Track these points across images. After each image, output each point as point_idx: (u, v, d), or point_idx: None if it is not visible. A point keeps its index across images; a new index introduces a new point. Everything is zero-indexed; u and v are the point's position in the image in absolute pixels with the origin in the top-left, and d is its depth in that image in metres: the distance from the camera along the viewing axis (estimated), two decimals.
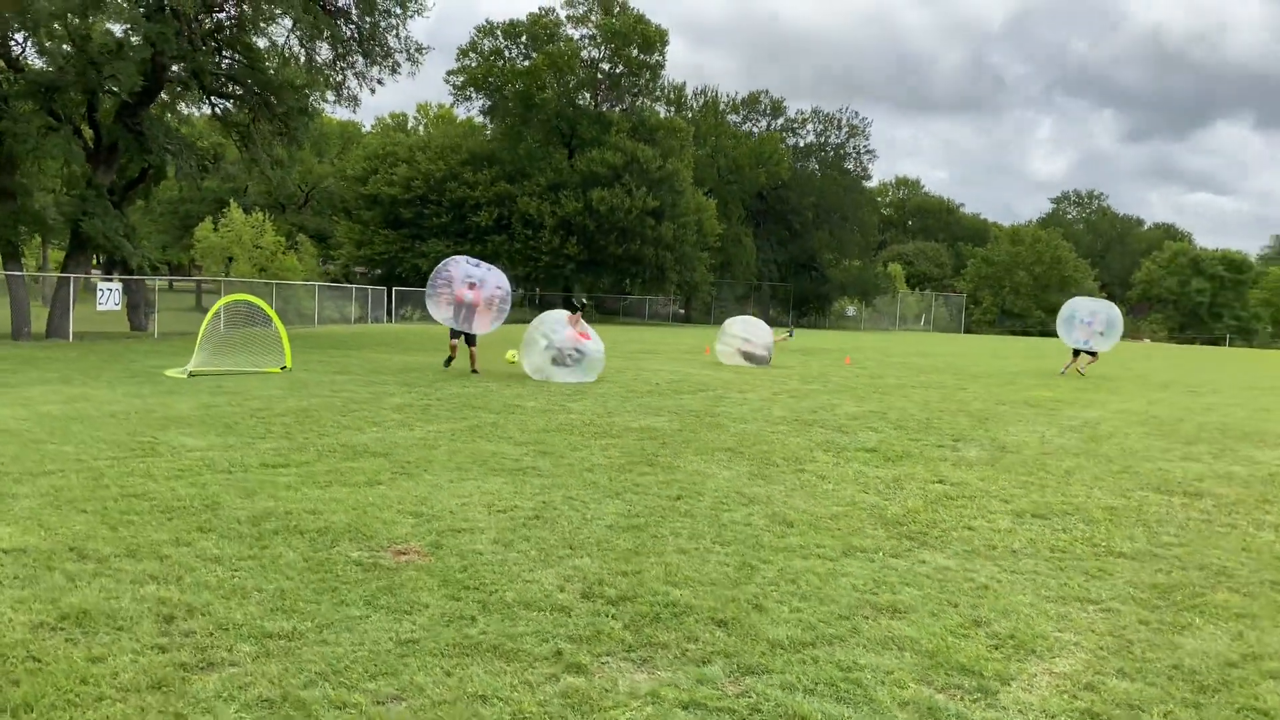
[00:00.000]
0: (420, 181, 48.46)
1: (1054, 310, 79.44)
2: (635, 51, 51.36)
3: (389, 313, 41.26)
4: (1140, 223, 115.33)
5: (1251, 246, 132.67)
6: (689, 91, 62.87)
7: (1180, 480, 7.85)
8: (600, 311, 54.41)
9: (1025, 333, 72.77)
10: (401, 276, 47.03)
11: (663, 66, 52.84)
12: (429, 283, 14.81)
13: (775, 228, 64.47)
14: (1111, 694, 3.50)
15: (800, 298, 63.80)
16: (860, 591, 4.56)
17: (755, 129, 66.33)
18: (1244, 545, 5.73)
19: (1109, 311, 21.57)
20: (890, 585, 4.67)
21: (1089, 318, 21.23)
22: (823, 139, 67.71)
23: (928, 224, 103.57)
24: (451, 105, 58.32)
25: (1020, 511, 6.42)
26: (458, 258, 15.36)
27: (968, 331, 74.08)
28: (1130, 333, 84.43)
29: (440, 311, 14.86)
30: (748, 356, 19.81)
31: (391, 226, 49.20)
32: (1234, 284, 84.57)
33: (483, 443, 8.47)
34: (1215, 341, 77.40)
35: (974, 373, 20.95)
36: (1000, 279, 78.94)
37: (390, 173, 48.81)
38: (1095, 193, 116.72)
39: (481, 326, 14.90)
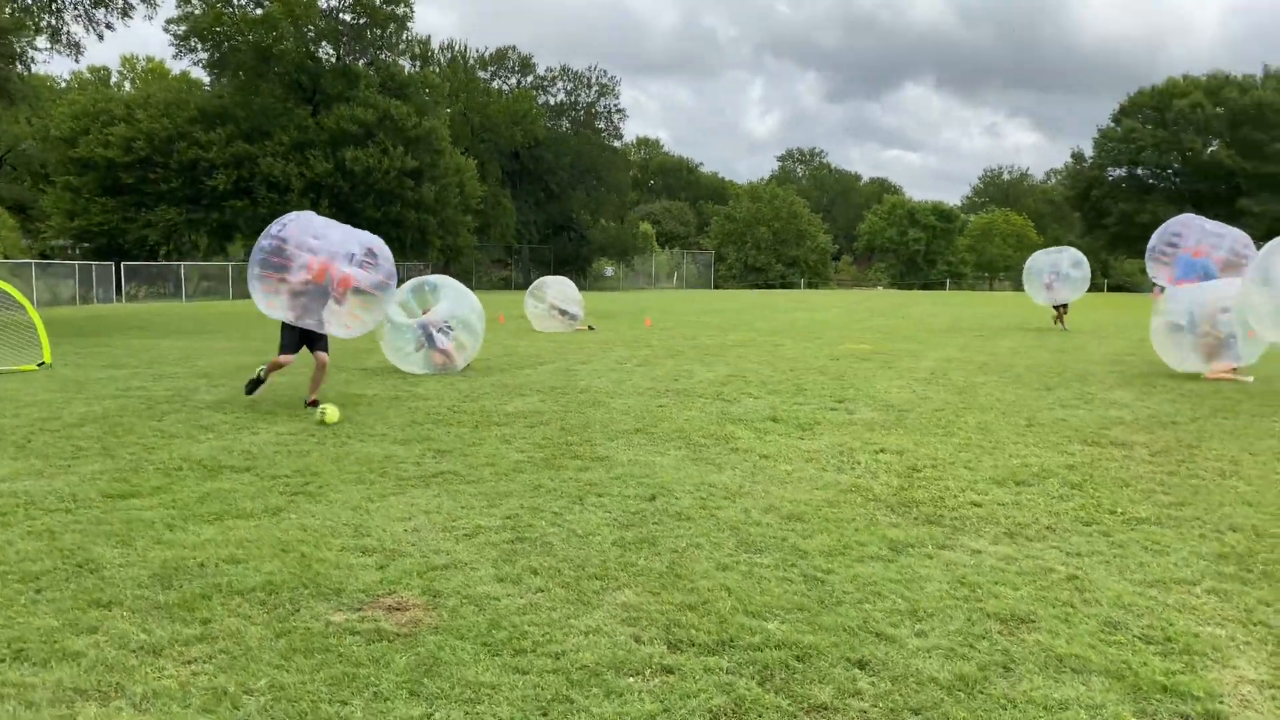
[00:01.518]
0: (143, 142, 43.19)
1: (793, 263, 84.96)
2: (378, 1, 48.26)
3: (118, 291, 36.71)
4: (858, 178, 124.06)
5: (950, 198, 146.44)
6: (435, 46, 60.18)
7: (1093, 430, 7.92)
8: None
9: (769, 285, 76.31)
10: (126, 250, 42.03)
11: (409, 18, 50.05)
12: (256, 254, 8.68)
13: (533, 189, 63.31)
14: None
15: (560, 259, 63.14)
16: (960, 599, 3.97)
17: (505, 86, 64.62)
18: (1241, 497, 5.68)
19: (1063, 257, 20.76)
20: (980, 586, 4.12)
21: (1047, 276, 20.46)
22: (573, 98, 67.07)
23: (670, 183, 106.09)
24: (175, 57, 52.57)
25: (999, 479, 6.11)
26: (309, 215, 9.18)
27: (717, 287, 76.69)
28: (862, 281, 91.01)
29: (272, 302, 8.71)
30: (567, 316, 18.99)
31: (110, 194, 43.66)
32: (944, 233, 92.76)
33: (356, 444, 7.22)
34: (930, 286, 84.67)
35: (774, 328, 21.22)
36: (743, 235, 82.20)
37: (105, 133, 43.15)
38: (816, 150, 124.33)
39: (342, 327, 8.94)
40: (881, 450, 7.08)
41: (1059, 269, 20.32)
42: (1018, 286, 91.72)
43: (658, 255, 77.01)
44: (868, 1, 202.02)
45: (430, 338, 11.75)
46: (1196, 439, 7.51)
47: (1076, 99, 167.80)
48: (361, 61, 48.84)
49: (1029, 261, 21.16)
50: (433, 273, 58.15)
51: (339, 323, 8.86)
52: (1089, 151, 74.76)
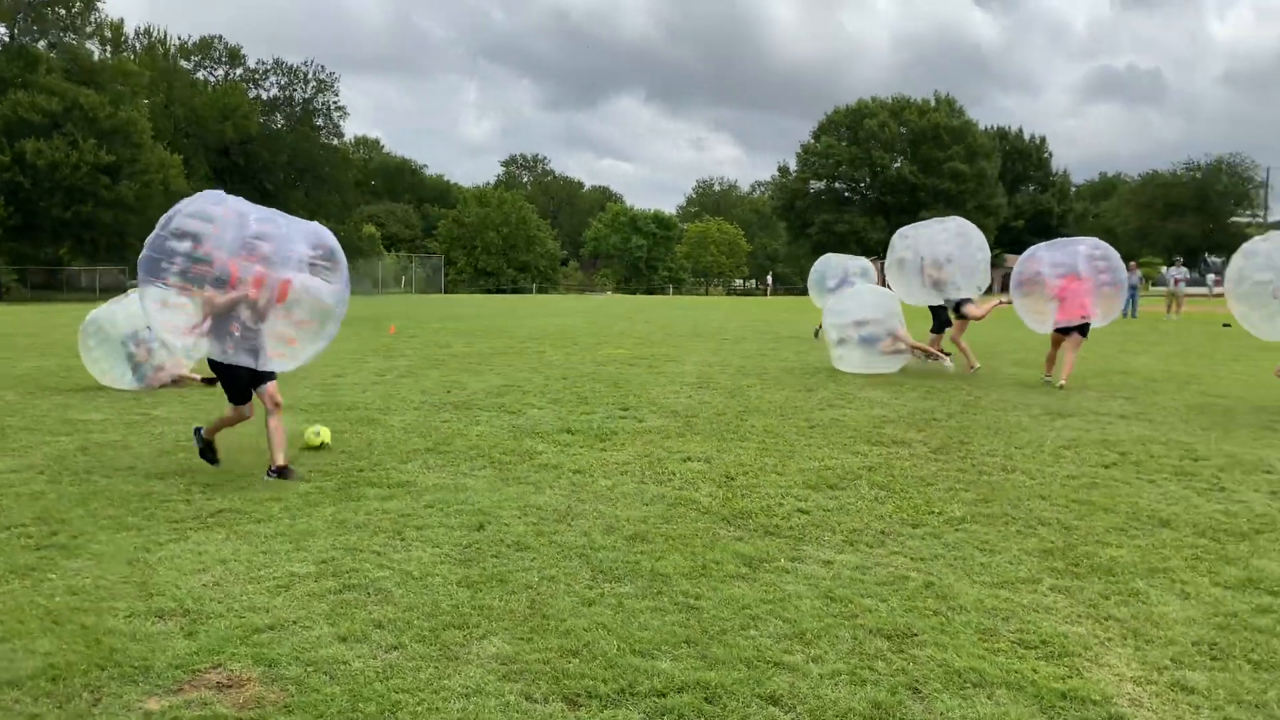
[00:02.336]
0: None
1: (524, 268, 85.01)
2: None
3: None
4: (582, 185, 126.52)
5: (667, 206, 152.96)
6: (130, 31, 54.68)
7: (868, 429, 8.27)
8: (30, 288, 45.54)
9: (500, 290, 75.96)
10: None
11: None
12: (151, 257, 6.09)
13: (246, 188, 58.80)
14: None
15: None
16: (837, 617, 3.88)
17: (212, 78, 59.85)
18: (1032, 491, 6.06)
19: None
20: (849, 600, 4.06)
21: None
22: (288, 93, 63.25)
23: (393, 185, 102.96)
24: None
25: (812, 484, 6.18)
26: (221, 196, 6.58)
27: (448, 291, 75.24)
28: (589, 286, 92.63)
29: (187, 333, 6.37)
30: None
31: None
32: (664, 240, 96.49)
33: (100, 479, 6.21)
34: (653, 290, 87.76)
35: (529, 334, 20.94)
36: (472, 239, 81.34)
37: None
38: (540, 157, 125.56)
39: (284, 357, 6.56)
40: (688, 458, 7.00)
41: (848, 276, 19.54)
42: (731, 291, 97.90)
43: (384, 259, 74.38)
44: (579, 14, 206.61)
45: (136, 353, 10.51)
46: (964, 435, 8.04)
47: (772, 116, 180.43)
48: (41, 43, 43.39)
49: (818, 264, 20.44)
50: (129, 279, 52.82)
51: (276, 349, 6.41)
52: (793, 165, 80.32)
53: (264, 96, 62.70)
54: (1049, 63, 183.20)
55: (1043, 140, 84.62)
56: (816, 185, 78.85)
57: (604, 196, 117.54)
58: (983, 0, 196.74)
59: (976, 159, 72.60)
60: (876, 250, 76.06)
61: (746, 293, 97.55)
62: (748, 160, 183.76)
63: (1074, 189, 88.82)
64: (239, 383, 6.46)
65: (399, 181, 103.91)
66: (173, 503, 5.62)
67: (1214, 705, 3.17)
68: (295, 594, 4.07)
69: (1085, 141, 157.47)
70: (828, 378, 12.20)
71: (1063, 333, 11.57)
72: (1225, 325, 24.78)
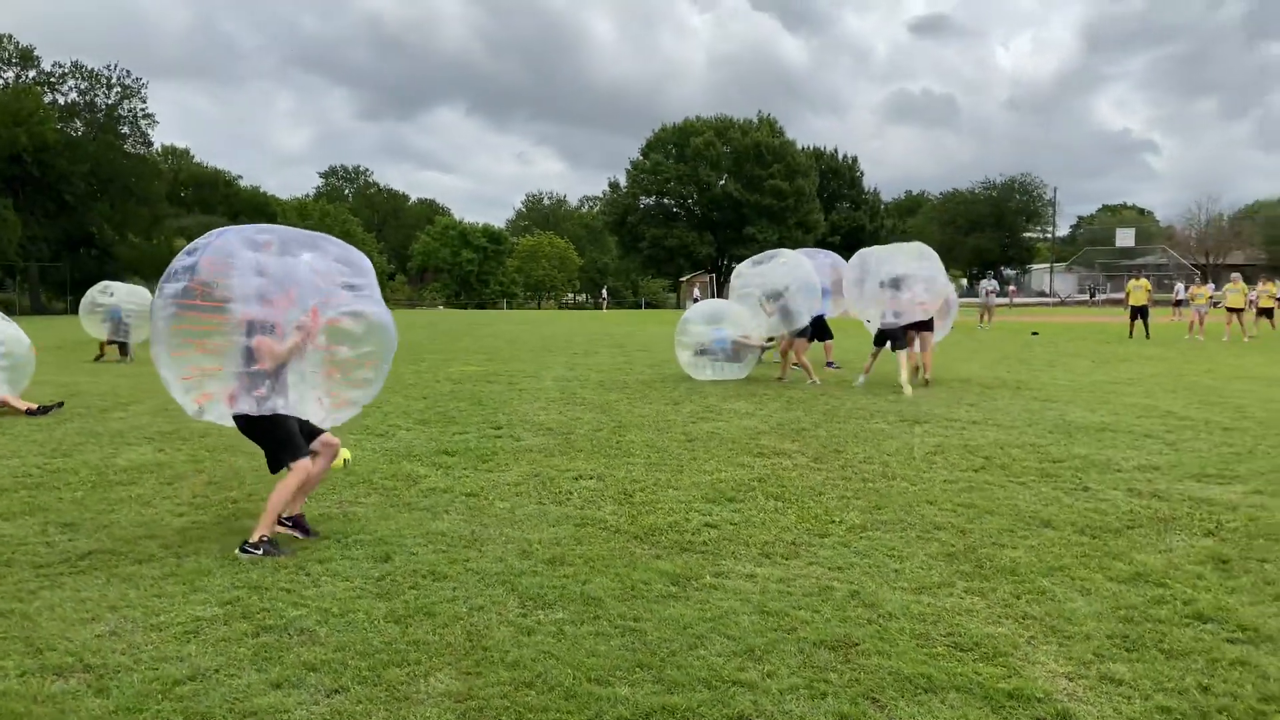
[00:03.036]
0: None
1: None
2: None
3: None
4: (407, 198, 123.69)
5: (496, 220, 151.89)
6: None
7: (745, 441, 8.43)
8: None
9: None
10: None
11: None
12: (175, 297, 5.02)
13: (42, 199, 54.53)
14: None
15: (82, 279, 54.99)
16: (778, 630, 3.92)
17: (0, 80, 55.00)
18: (918, 496, 6.31)
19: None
20: (785, 613, 4.11)
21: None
22: (89, 98, 58.86)
23: (205, 196, 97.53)
24: None
25: (710, 497, 6.23)
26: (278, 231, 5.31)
27: None
28: (419, 300, 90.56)
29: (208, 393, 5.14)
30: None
31: None
32: (495, 254, 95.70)
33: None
34: (485, 305, 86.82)
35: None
36: None
37: None
38: (361, 168, 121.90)
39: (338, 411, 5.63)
40: (579, 476, 6.93)
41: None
42: (563, 305, 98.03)
43: None
44: (394, 22, 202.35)
45: None
46: (837, 444, 8.31)
47: (596, 132, 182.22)
48: None
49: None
50: None
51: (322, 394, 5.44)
52: (624, 181, 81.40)
53: (61, 101, 58.20)
54: (854, 85, 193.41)
55: (855, 160, 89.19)
56: (646, 201, 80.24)
57: (431, 209, 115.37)
58: (791, 24, 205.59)
59: (796, 177, 75.73)
60: (704, 265, 78.25)
61: (578, 306, 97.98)
62: (573, 175, 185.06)
63: (884, 206, 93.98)
64: (288, 440, 5.13)
65: (212, 193, 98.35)
66: (32, 546, 5.10)
67: (1143, 694, 3.38)
68: (207, 639, 3.76)
69: (890, 162, 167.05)
70: (689, 391, 12.37)
71: (899, 334, 12.28)
72: (1034, 334, 26.74)
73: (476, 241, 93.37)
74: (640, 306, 78.67)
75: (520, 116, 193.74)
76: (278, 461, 5.14)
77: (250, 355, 5.00)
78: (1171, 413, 10.11)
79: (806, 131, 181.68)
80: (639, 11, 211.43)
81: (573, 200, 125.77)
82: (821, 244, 76.06)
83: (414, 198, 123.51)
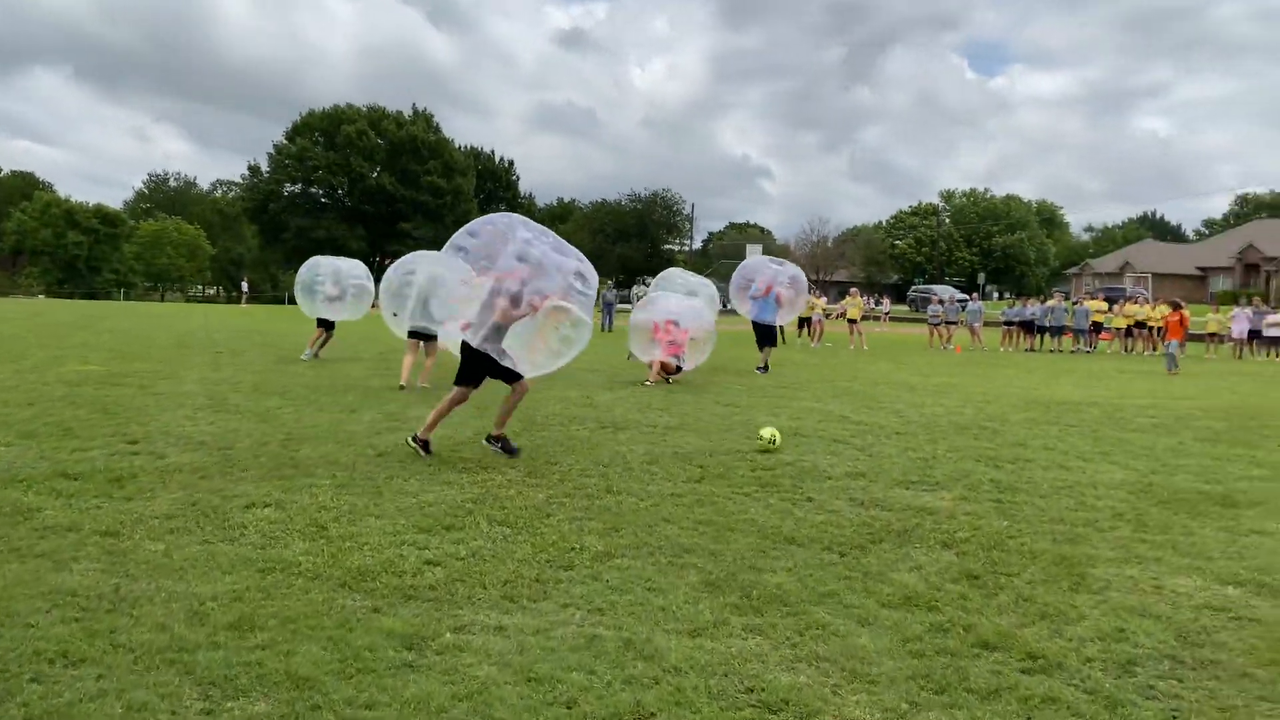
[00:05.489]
0: None
1: None
2: None
3: None
4: None
5: (110, 200, 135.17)
6: None
7: (447, 451, 7.52)
8: None
9: None
10: None
11: None
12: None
13: None
14: None
15: None
16: (553, 704, 3.14)
17: None
18: (657, 515, 5.76)
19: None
20: (556, 680, 3.34)
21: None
22: None
23: None
24: None
25: (423, 526, 5.29)
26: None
27: None
28: (13, 287, 78.18)
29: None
30: None
31: None
32: (110, 238, 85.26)
33: None
34: (96, 295, 76.81)
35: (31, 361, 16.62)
36: None
37: None
38: None
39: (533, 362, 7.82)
40: (251, 504, 5.68)
41: (344, 282, 16.61)
42: (191, 298, 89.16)
43: None
44: None
45: None
46: (547, 455, 7.64)
47: (229, 113, 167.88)
48: None
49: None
50: None
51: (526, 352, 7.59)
52: (265, 166, 75.61)
53: None
54: (500, 90, 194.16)
55: (511, 163, 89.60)
56: (291, 188, 75.20)
57: (27, 183, 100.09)
58: (437, 20, 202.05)
59: (454, 175, 74.59)
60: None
61: (209, 300, 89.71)
62: (202, 157, 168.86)
63: (538, 211, 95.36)
64: (479, 369, 7.33)
65: None
66: None
67: None
68: None
69: (538, 168, 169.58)
70: (362, 396, 11.15)
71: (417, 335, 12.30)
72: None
73: (86, 223, 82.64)
74: (284, 302, 73.45)
75: (137, 88, 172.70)
76: (509, 376, 7.35)
77: (492, 307, 7.14)
78: (846, 417, 10.52)
79: (458, 132, 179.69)
80: None
81: (204, 183, 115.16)
82: None
83: (5, 169, 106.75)
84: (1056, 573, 4.81)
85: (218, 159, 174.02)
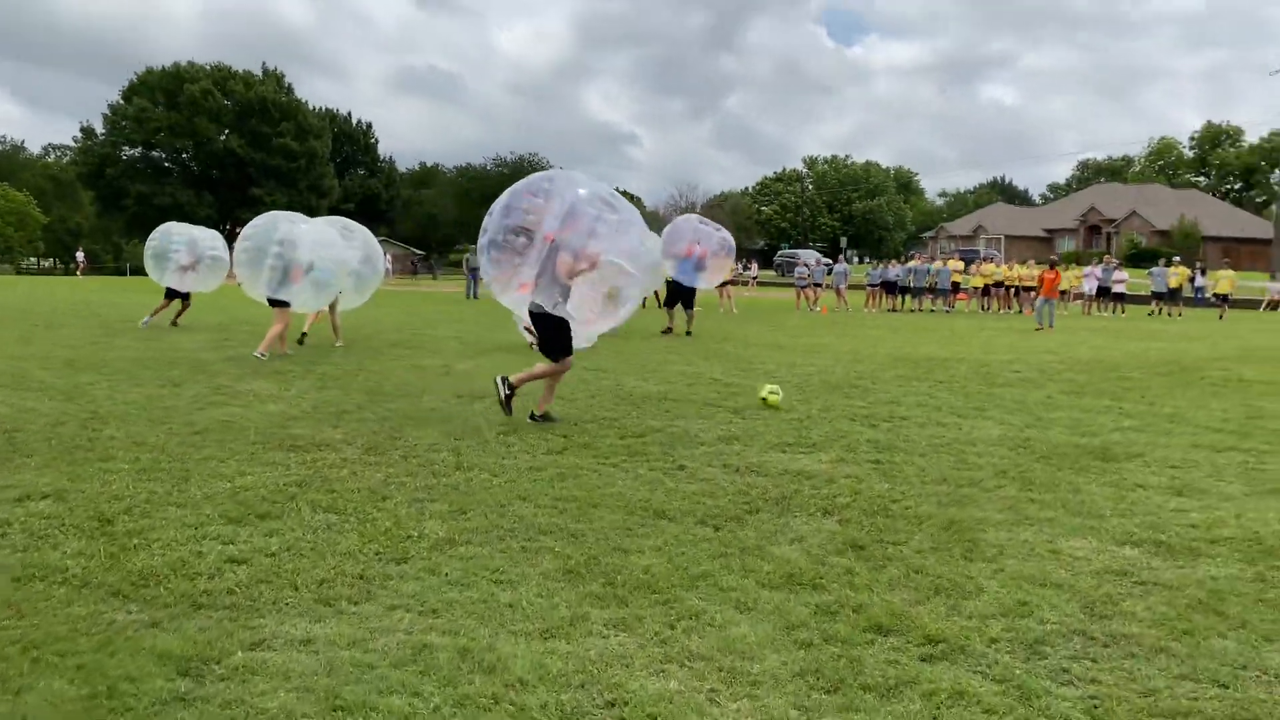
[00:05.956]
0: None
1: None
2: None
3: None
4: None
5: None
6: None
7: (275, 430, 6.67)
8: None
9: None
10: None
11: None
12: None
13: None
14: None
15: None
16: None
17: None
18: (513, 492, 5.11)
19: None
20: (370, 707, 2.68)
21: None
22: None
23: None
24: None
25: (234, 516, 4.50)
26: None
27: None
28: None
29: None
30: None
31: None
32: None
33: None
34: None
35: None
36: None
37: None
38: None
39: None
40: (24, 496, 4.79)
41: (200, 251, 15.58)
42: (27, 271, 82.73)
43: None
44: None
45: None
46: (392, 428, 6.88)
47: (60, 74, 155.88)
48: None
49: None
50: None
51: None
52: (100, 128, 70.43)
53: None
54: (359, 53, 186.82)
55: (369, 126, 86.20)
56: (130, 152, 70.32)
57: None
58: None
59: (308, 138, 71.12)
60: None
61: (45, 272, 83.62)
62: (33, 119, 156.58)
63: (400, 176, 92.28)
64: (567, 338, 7.10)
65: None
66: None
67: None
68: None
69: (400, 133, 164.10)
70: (191, 369, 10.08)
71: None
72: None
73: None
74: (125, 273, 68.73)
75: None
76: (550, 351, 7.09)
77: (554, 265, 6.91)
78: (717, 380, 10.10)
79: (314, 96, 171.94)
80: None
81: (34, 148, 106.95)
82: (336, 211, 72.62)
83: None
84: (946, 539, 4.41)
85: (50, 122, 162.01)
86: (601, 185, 7.47)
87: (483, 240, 7.33)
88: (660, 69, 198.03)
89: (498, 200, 7.39)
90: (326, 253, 11.78)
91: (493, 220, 7.29)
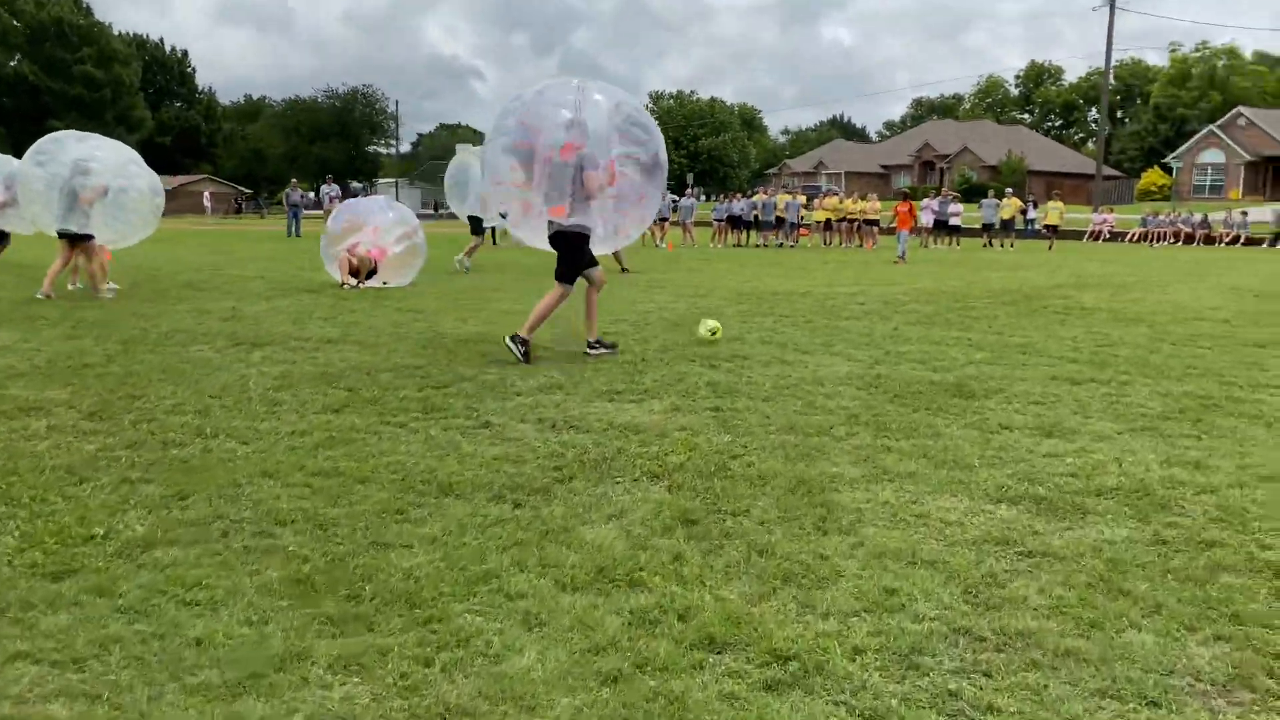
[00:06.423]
0: None
1: None
2: None
3: None
4: None
5: None
6: None
7: (19, 399, 5.32)
8: None
9: None
10: None
11: None
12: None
13: None
14: None
15: None
16: None
17: None
18: (254, 466, 4.01)
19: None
20: None
21: None
22: None
23: None
24: None
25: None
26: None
27: None
28: None
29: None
30: None
31: None
32: None
33: None
34: None
35: None
36: None
37: None
38: None
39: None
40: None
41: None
42: None
43: None
44: None
45: None
46: (135, 386, 5.61)
47: None
48: None
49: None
50: None
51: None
52: None
53: None
54: None
55: (185, 54, 79.85)
56: None
57: None
58: None
59: (112, 65, 65.18)
60: None
61: None
62: None
63: (221, 109, 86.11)
64: (583, 262, 6.90)
65: None
66: None
67: None
68: None
69: (224, 65, 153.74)
70: None
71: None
72: None
73: None
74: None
75: None
76: (567, 273, 6.88)
77: (581, 182, 6.65)
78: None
79: (127, 24, 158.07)
80: None
81: None
82: (149, 144, 67.08)
83: None
84: (795, 504, 3.62)
85: None
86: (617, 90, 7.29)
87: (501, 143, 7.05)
88: (504, 2, 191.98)
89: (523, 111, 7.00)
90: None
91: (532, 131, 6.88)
